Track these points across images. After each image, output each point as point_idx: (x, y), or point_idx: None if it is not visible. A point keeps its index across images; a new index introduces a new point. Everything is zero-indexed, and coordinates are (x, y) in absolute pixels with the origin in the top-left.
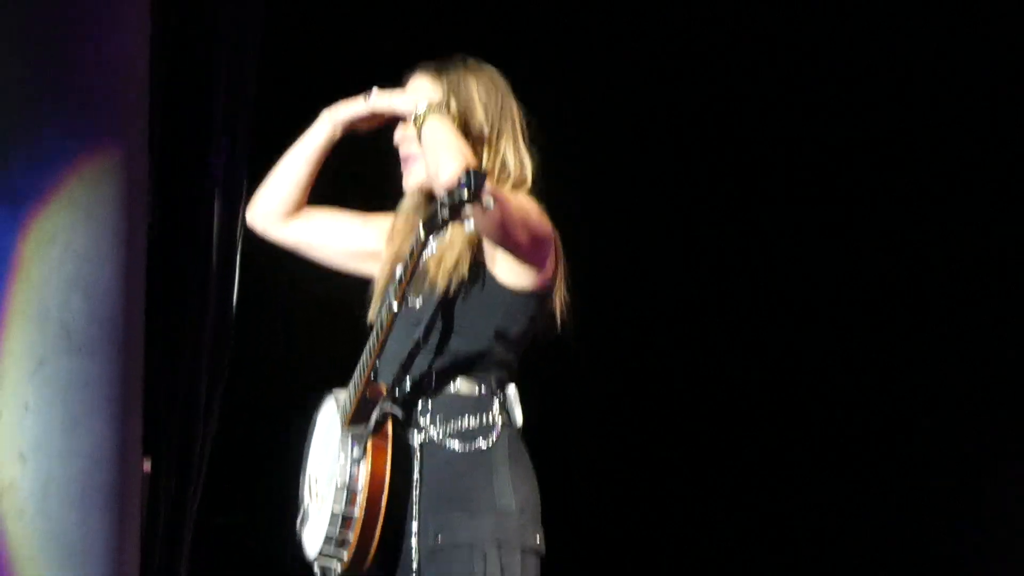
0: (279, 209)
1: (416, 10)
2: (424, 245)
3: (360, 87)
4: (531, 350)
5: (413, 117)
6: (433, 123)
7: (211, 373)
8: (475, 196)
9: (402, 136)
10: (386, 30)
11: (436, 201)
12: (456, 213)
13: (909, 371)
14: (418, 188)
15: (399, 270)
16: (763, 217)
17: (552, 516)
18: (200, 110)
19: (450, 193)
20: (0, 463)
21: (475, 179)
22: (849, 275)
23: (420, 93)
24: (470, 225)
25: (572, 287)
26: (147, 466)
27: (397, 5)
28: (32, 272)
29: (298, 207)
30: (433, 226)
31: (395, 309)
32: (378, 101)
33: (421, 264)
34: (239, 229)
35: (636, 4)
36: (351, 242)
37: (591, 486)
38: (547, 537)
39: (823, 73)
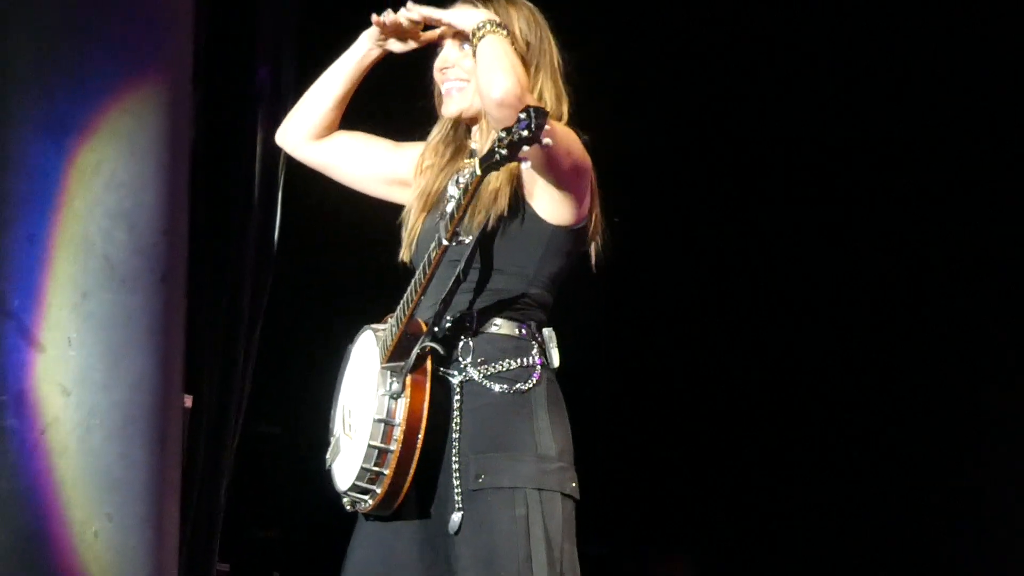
0: (311, 129)
1: None
2: (480, 182)
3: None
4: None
5: (472, 31)
6: (493, 39)
7: (252, 305)
8: (535, 136)
9: (446, 62)
10: None
11: (472, 136)
12: (514, 152)
13: (909, 351)
14: (451, 118)
15: (451, 207)
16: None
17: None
18: (244, 33)
19: (508, 131)
20: (44, 397)
21: (536, 117)
22: (853, 267)
23: (474, 13)
24: (527, 164)
25: (608, 223)
26: (188, 402)
27: None
28: (76, 204)
29: (330, 128)
30: (490, 164)
31: (446, 244)
32: (432, 11)
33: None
34: (282, 160)
35: (637, 5)
36: (381, 168)
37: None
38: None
39: (823, 73)
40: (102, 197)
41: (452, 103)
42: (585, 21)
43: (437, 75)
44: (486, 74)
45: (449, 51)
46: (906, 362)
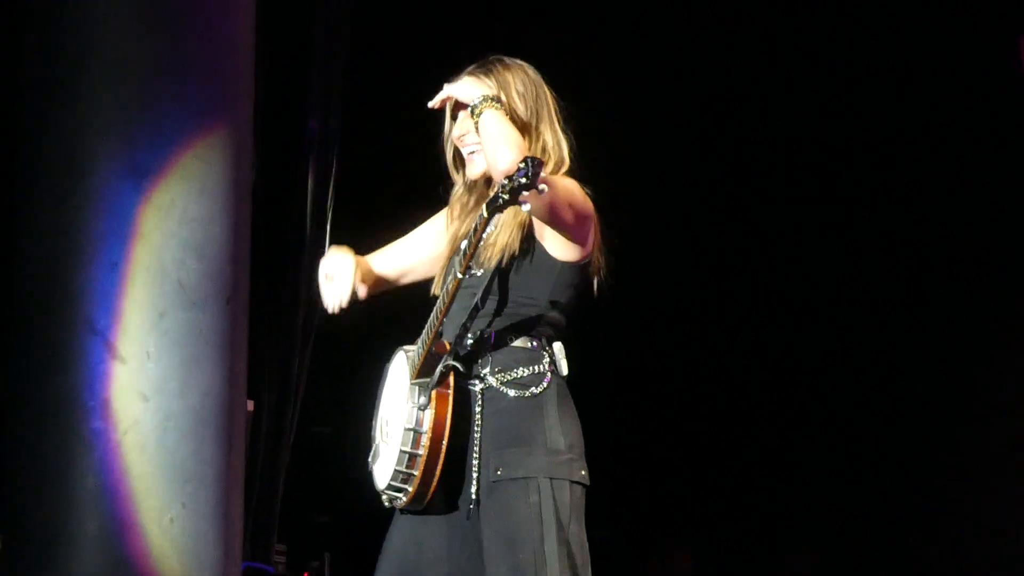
0: (363, 285)
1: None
2: (486, 223)
3: (435, 74)
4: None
5: (471, 109)
6: (489, 114)
7: (305, 326)
8: (532, 182)
9: (461, 131)
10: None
11: (495, 184)
12: (515, 196)
13: (905, 347)
14: (475, 178)
15: (463, 244)
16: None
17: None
18: (294, 83)
19: (509, 178)
20: (125, 404)
21: (532, 167)
22: (841, 262)
23: (472, 88)
24: (526, 207)
25: (608, 258)
26: (250, 406)
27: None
28: (152, 236)
29: (374, 276)
30: (494, 207)
31: (460, 277)
32: (439, 96)
33: (483, 240)
34: (330, 198)
35: (638, 8)
36: (426, 254)
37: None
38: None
39: (823, 74)
40: (176, 230)
41: (475, 166)
42: (586, 24)
43: (456, 142)
44: (491, 148)
45: (462, 122)
46: (902, 358)
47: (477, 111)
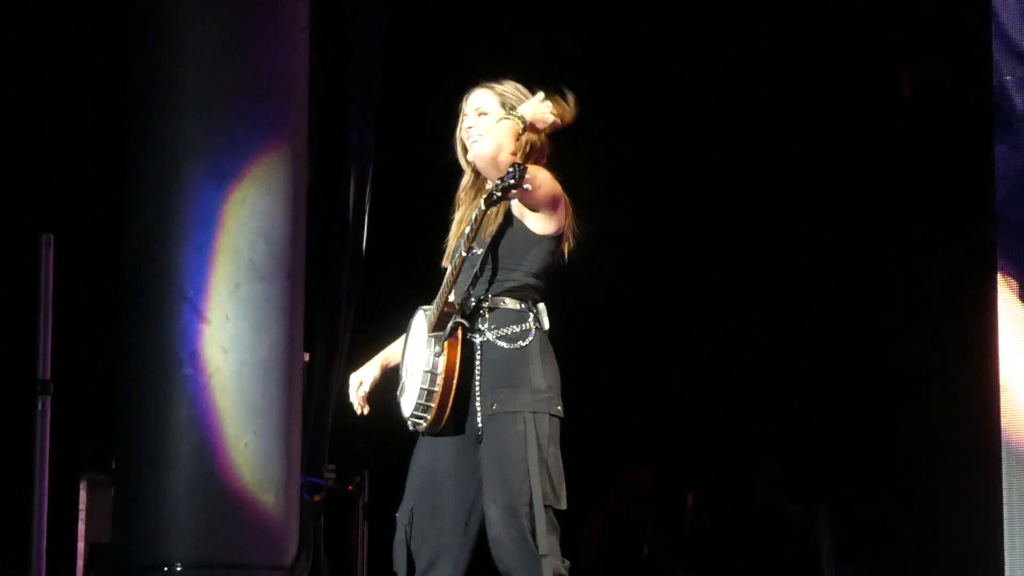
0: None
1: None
2: (484, 214)
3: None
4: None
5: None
6: (504, 121)
7: (348, 295)
8: (518, 184)
9: (469, 123)
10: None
11: (487, 181)
12: (505, 194)
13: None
14: (472, 165)
15: (467, 230)
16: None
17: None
18: (339, 104)
19: (501, 179)
20: (210, 355)
21: (518, 172)
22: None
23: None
24: (514, 202)
25: (577, 231)
26: (306, 357)
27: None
28: (231, 224)
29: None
30: (490, 202)
31: (464, 255)
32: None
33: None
34: (367, 194)
35: (639, 8)
36: None
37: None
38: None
39: (820, 73)
40: (248, 220)
41: (470, 153)
42: (586, 26)
43: (464, 132)
44: (486, 136)
45: (471, 118)
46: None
47: (500, 116)
